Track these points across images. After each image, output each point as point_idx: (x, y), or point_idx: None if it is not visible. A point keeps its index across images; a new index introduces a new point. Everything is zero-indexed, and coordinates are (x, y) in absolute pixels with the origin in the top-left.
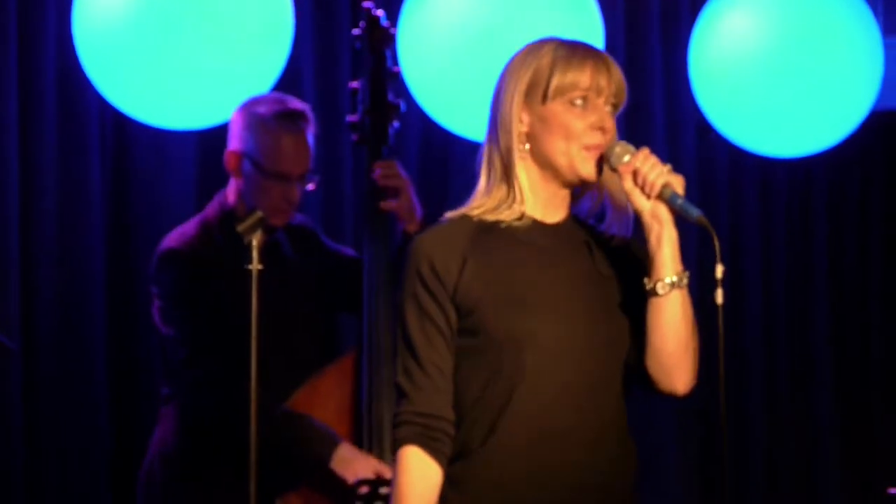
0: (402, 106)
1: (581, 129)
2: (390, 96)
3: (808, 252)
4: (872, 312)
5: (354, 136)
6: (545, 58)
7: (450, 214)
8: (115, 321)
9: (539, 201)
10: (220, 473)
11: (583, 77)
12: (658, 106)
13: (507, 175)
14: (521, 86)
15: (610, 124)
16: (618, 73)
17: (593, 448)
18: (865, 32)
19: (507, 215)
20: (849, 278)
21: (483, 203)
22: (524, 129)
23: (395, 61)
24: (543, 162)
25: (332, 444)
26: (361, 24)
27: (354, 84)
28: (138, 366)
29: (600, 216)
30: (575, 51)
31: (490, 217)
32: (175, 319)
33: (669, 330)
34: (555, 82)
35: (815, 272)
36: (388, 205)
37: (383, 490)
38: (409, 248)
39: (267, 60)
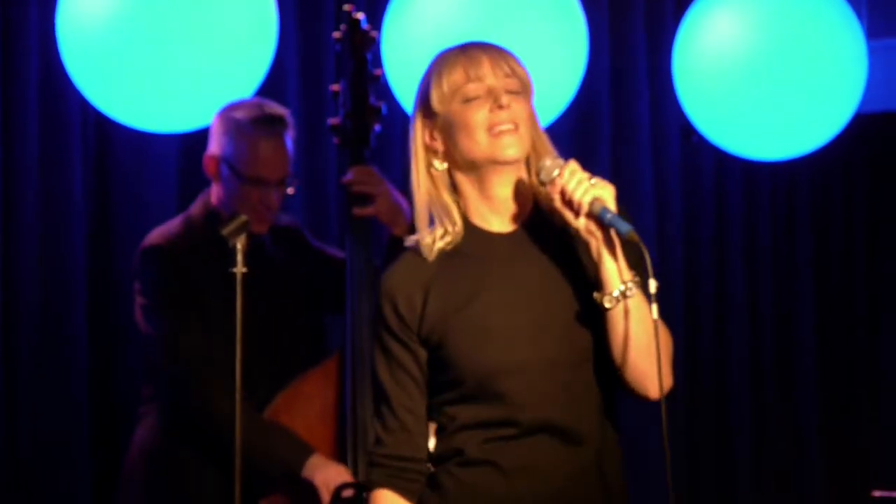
0: (384, 109)
1: (482, 118)
2: (371, 99)
3: (793, 254)
4: (857, 314)
5: (336, 139)
6: (426, 78)
7: (410, 241)
8: (96, 322)
9: (483, 211)
10: (202, 472)
11: (456, 75)
12: (643, 110)
13: (435, 200)
14: (418, 112)
15: (506, 100)
16: (505, 58)
17: (577, 467)
18: (849, 36)
19: (453, 237)
20: (833, 281)
21: (430, 233)
22: (440, 147)
23: (377, 64)
24: (466, 167)
25: (305, 453)
26: (342, 26)
27: (335, 87)
28: (120, 366)
29: None
30: (446, 56)
31: (441, 244)
32: (156, 317)
33: (628, 340)
34: (435, 95)
35: (799, 274)
36: (363, 211)
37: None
38: (378, 282)
39: (251, 63)
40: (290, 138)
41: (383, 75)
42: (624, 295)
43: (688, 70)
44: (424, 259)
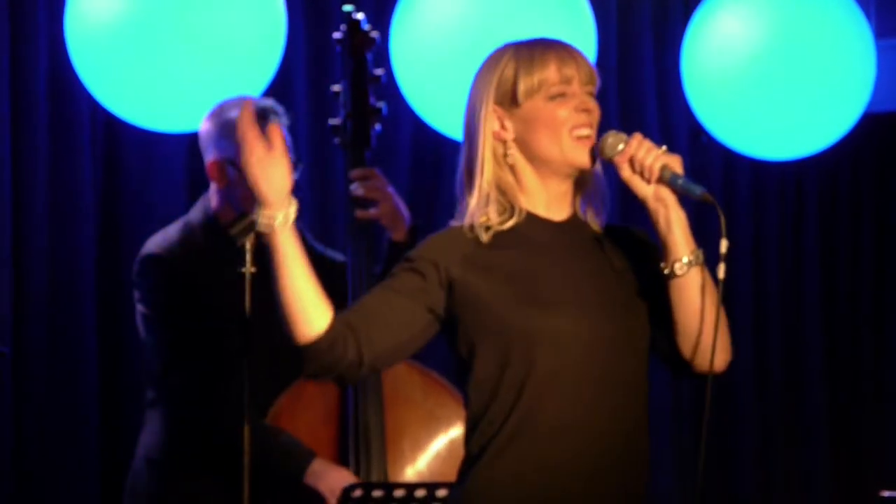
0: (384, 109)
1: (565, 116)
2: (372, 100)
3: (800, 253)
4: (864, 313)
5: (336, 140)
6: (507, 66)
7: (463, 219)
8: (104, 323)
9: (542, 200)
10: (206, 477)
11: (547, 72)
12: (651, 110)
13: (497, 184)
14: (490, 98)
15: (592, 105)
16: (583, 58)
17: (605, 444)
18: (858, 35)
19: (517, 219)
20: (840, 280)
21: (473, 216)
22: (510, 135)
23: (378, 64)
24: (537, 161)
25: (306, 458)
26: (342, 27)
27: (336, 87)
28: (128, 367)
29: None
30: (534, 50)
31: (491, 221)
32: (154, 326)
33: (695, 308)
34: (522, 86)
35: (806, 273)
36: (366, 214)
37: (376, 493)
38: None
39: (259, 64)
40: (285, 126)
41: (384, 76)
42: (693, 262)
43: (696, 70)
44: (475, 237)
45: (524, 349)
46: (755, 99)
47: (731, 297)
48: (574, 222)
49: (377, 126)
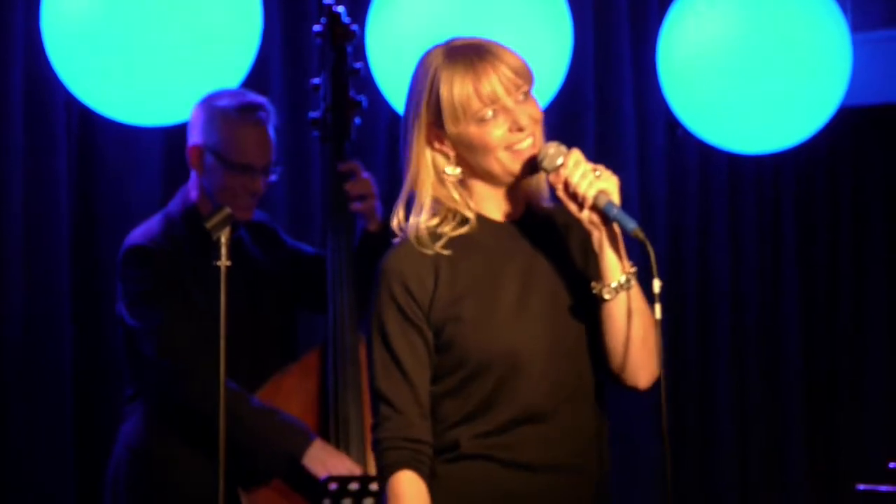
0: (364, 102)
1: (499, 138)
2: (351, 92)
3: (778, 247)
4: (841, 307)
5: (316, 132)
6: (434, 85)
7: (406, 228)
8: (81, 317)
9: (493, 203)
10: (187, 468)
11: (469, 98)
12: (627, 103)
13: (436, 196)
14: (422, 118)
15: (525, 120)
16: (508, 59)
17: (568, 451)
18: (834, 29)
19: (469, 228)
20: (818, 273)
21: (432, 219)
22: (451, 151)
23: (357, 57)
24: (482, 173)
25: (306, 439)
26: (322, 20)
27: (316, 80)
28: (104, 363)
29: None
30: (454, 68)
31: (442, 230)
32: (144, 312)
33: (623, 331)
34: (447, 114)
35: (784, 266)
36: (356, 207)
37: (352, 486)
38: (377, 270)
39: (235, 57)
40: (272, 126)
41: (364, 69)
42: (622, 287)
43: (672, 63)
44: (425, 245)
45: (479, 367)
46: (731, 93)
47: (709, 291)
48: (529, 220)
49: (357, 119)
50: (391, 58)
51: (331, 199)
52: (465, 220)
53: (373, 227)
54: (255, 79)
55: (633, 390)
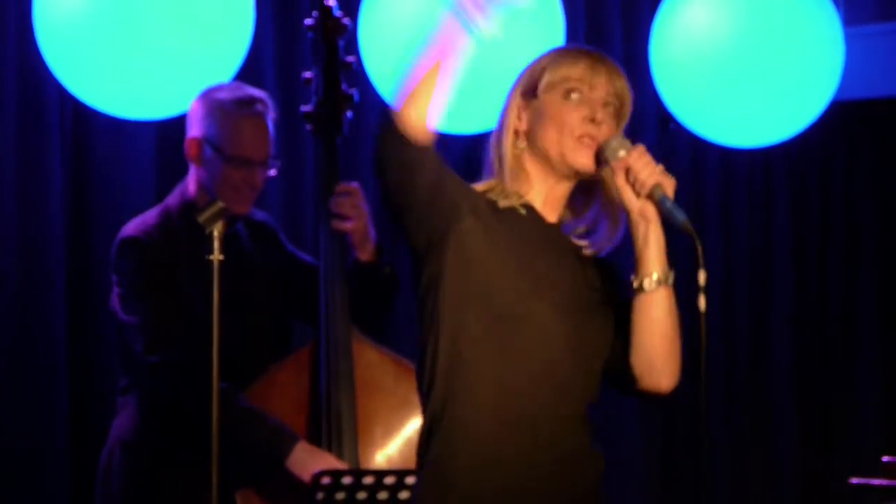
0: (356, 95)
1: (573, 121)
2: (343, 86)
3: (770, 241)
4: (834, 301)
5: (308, 126)
6: (544, 60)
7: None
8: (74, 310)
9: (540, 196)
10: (180, 462)
11: (574, 70)
12: None
13: (507, 169)
14: (519, 87)
15: (602, 116)
16: (620, 79)
17: (565, 428)
18: (826, 23)
19: (511, 201)
20: (810, 266)
21: (491, 187)
22: (523, 126)
23: (349, 51)
24: (541, 155)
25: (290, 442)
26: (314, 13)
27: (307, 74)
28: (98, 356)
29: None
30: (570, 49)
31: (498, 199)
32: (135, 307)
33: (656, 327)
34: (546, 77)
35: (776, 260)
36: (341, 226)
37: (345, 480)
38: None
39: (227, 50)
40: (270, 119)
41: (356, 62)
42: (662, 281)
43: (664, 57)
44: (493, 201)
45: (501, 322)
46: (724, 86)
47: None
48: (560, 229)
49: (349, 113)
50: (383, 52)
51: (322, 191)
52: (519, 198)
53: (364, 255)
54: (247, 72)
55: (653, 394)
